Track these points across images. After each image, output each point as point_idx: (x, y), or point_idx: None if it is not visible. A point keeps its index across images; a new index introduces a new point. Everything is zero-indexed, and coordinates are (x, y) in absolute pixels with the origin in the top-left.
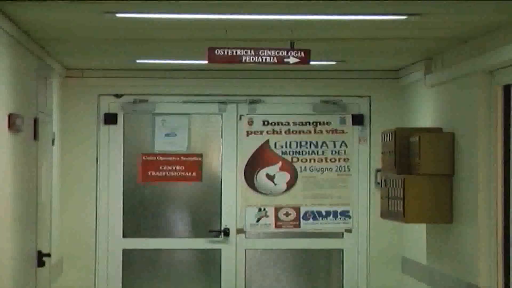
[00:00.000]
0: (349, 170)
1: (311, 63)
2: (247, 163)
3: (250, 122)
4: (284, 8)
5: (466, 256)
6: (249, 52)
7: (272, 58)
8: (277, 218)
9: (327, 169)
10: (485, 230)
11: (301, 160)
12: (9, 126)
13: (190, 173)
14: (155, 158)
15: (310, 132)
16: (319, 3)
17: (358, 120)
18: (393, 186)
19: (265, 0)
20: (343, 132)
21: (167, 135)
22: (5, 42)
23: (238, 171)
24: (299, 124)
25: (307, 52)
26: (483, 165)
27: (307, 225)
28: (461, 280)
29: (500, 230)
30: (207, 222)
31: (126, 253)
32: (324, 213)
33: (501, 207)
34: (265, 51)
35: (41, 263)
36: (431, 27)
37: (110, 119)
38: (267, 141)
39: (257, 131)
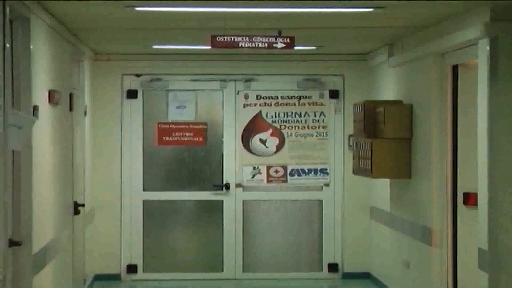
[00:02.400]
0: (326, 135)
1: (295, 47)
2: (243, 130)
3: (246, 97)
4: (273, 2)
5: (421, 205)
6: (244, 38)
7: (263, 43)
8: (268, 175)
9: (309, 134)
10: (437, 184)
11: (288, 127)
12: (49, 100)
13: (197, 138)
14: (168, 126)
15: (295, 104)
16: None
17: (334, 94)
18: (362, 148)
19: None
20: (322, 104)
21: (178, 107)
22: (45, 32)
23: (236, 136)
24: (286, 98)
25: (292, 39)
26: (436, 131)
27: (292, 180)
28: (418, 224)
29: (449, 183)
30: (211, 178)
31: (146, 203)
32: (306, 170)
33: (450, 164)
34: (258, 37)
35: (76, 212)
36: (392, 18)
37: (132, 94)
38: (260, 112)
39: (252, 104)
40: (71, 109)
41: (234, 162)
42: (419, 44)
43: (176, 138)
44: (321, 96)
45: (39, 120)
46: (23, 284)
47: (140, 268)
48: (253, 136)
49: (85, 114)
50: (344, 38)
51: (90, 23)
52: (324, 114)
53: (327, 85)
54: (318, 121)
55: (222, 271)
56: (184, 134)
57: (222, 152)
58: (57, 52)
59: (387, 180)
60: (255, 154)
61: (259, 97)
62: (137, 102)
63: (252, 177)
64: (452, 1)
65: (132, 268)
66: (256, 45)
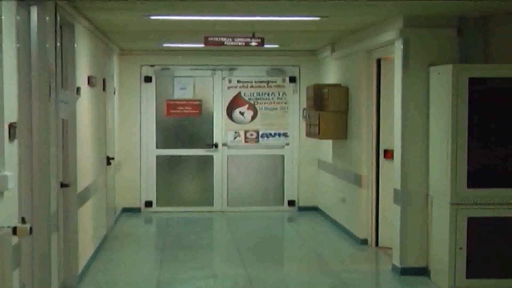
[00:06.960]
0: (287, 109)
1: (265, 45)
2: (227, 105)
3: (229, 81)
4: (248, 12)
5: (354, 158)
6: (228, 39)
7: (242, 42)
8: (245, 137)
9: (274, 108)
10: (365, 143)
11: (259, 103)
12: (88, 83)
13: (194, 111)
14: (174, 102)
15: (264, 86)
16: (270, 9)
17: (292, 79)
18: (312, 118)
19: (237, 7)
20: (284, 87)
21: (181, 88)
22: (85, 34)
23: (222, 110)
24: (258, 82)
25: (262, 39)
26: (364, 106)
27: (263, 141)
28: (351, 172)
29: (374, 142)
30: (205, 139)
31: (158, 157)
32: (273, 134)
33: (374, 129)
34: (238, 38)
35: (108, 163)
36: (334, 24)
37: (148, 79)
38: (240, 92)
39: (234, 86)
40: (104, 89)
41: (221, 128)
42: (353, 43)
43: (179, 111)
44: (283, 81)
45: (81, 97)
46: (71, 215)
47: (154, 203)
48: (235, 109)
49: (114, 93)
50: (299, 39)
51: (118, 28)
52: (285, 94)
53: (287, 73)
54: (281, 99)
55: (213, 205)
56: (185, 108)
57: (212, 121)
58: (93, 48)
59: (330, 141)
60: (236, 122)
61: (239, 81)
62: (152, 85)
63: (234, 138)
64: (376, 12)
65: (148, 203)
66: (237, 44)
